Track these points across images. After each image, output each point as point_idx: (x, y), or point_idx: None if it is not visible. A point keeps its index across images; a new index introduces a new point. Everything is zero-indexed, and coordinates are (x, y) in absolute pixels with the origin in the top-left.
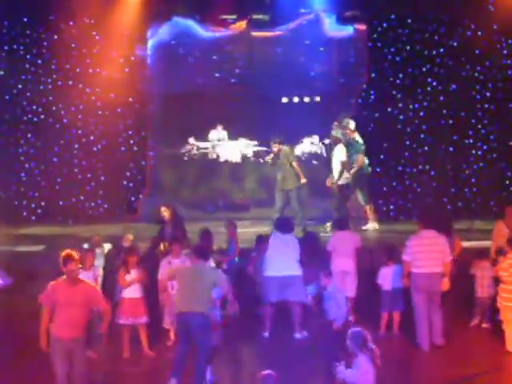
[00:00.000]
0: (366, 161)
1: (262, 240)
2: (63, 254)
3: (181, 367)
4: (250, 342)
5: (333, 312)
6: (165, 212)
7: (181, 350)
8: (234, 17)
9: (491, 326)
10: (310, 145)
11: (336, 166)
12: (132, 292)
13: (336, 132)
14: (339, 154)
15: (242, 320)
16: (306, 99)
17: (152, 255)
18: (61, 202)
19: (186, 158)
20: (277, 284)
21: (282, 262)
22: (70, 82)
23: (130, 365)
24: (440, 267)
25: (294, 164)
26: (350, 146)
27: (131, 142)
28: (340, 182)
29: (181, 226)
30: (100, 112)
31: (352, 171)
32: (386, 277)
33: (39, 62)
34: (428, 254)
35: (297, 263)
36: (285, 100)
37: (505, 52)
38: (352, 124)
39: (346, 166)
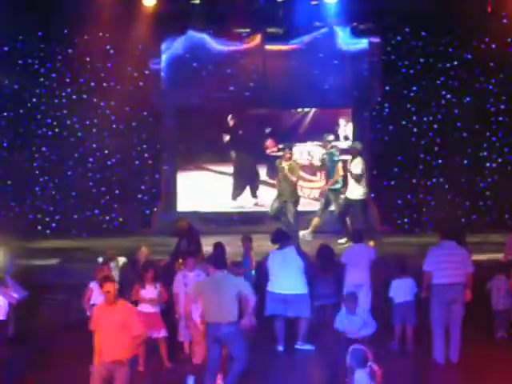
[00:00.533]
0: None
1: None
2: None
3: (214, 372)
4: (264, 355)
5: (361, 331)
6: (180, 225)
7: (212, 356)
8: (248, 30)
9: (507, 335)
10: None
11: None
12: (149, 307)
13: (354, 144)
14: (355, 166)
15: (258, 333)
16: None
17: (170, 270)
18: (75, 216)
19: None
20: (280, 300)
21: (285, 279)
22: (85, 96)
23: (146, 378)
24: (462, 277)
25: (295, 179)
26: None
27: (145, 155)
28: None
29: (195, 239)
30: (114, 126)
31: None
32: (399, 289)
33: (53, 75)
34: (450, 264)
35: (301, 280)
36: (298, 112)
37: None
38: (331, 137)
39: (359, 179)
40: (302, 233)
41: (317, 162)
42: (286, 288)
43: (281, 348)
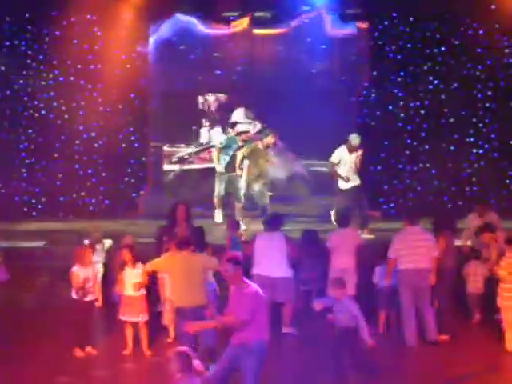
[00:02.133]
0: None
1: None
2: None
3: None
4: None
5: (346, 321)
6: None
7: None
8: (236, 14)
9: (481, 317)
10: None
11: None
12: (129, 289)
13: (354, 139)
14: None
15: None
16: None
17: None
18: (62, 198)
19: (186, 157)
20: (265, 284)
21: (271, 262)
22: (72, 78)
23: (130, 362)
24: (427, 263)
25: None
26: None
27: (132, 138)
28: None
29: (190, 227)
30: (101, 108)
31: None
32: (382, 275)
33: (40, 57)
34: (414, 249)
35: (285, 264)
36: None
37: (506, 51)
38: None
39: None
40: None
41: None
42: (271, 271)
43: None
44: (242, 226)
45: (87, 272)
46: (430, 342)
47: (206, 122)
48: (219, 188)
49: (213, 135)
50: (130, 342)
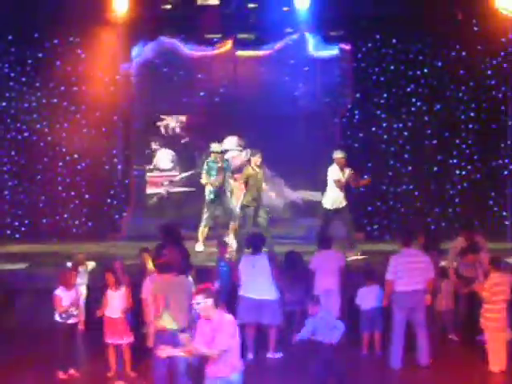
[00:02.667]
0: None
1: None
2: None
3: None
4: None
5: (327, 336)
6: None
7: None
8: (219, 36)
9: (458, 337)
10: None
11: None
12: (111, 311)
13: (337, 153)
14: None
15: None
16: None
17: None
18: (44, 220)
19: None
20: (252, 306)
21: (258, 285)
22: (55, 100)
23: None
24: (423, 284)
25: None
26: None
27: (115, 160)
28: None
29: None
30: (85, 130)
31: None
32: (365, 297)
33: (23, 79)
34: (411, 271)
35: (272, 287)
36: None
37: (489, 72)
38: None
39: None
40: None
41: None
42: (258, 293)
43: (251, 356)
44: (233, 246)
45: (71, 295)
46: (422, 366)
47: (155, 145)
48: (211, 215)
49: (160, 157)
50: (113, 365)
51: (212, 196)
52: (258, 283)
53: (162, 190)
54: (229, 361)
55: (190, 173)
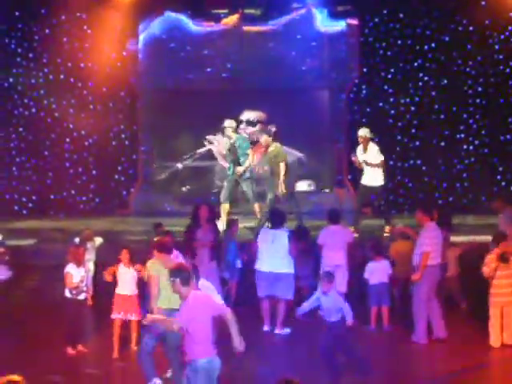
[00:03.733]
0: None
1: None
2: None
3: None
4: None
5: (333, 315)
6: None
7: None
8: (226, 11)
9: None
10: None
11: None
12: (123, 288)
13: (365, 131)
14: (374, 153)
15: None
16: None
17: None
18: (52, 196)
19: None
20: (268, 279)
21: (273, 258)
22: (62, 76)
23: (121, 360)
24: (444, 258)
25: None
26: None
27: (122, 136)
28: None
29: (214, 229)
30: (91, 106)
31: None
32: (374, 271)
33: (30, 55)
34: (438, 246)
35: (288, 260)
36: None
37: (496, 47)
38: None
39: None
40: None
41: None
42: (274, 266)
43: (267, 328)
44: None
45: (80, 271)
46: (440, 339)
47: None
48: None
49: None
50: (117, 344)
51: (229, 172)
52: (275, 257)
53: (179, 164)
54: (194, 345)
55: (205, 149)
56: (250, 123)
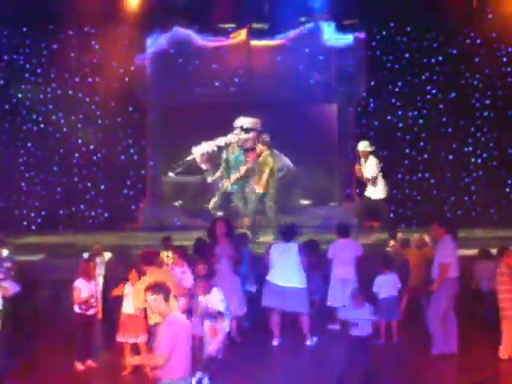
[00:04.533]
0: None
1: None
2: None
3: None
4: (260, 351)
5: (365, 329)
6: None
7: None
8: (234, 26)
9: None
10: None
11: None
12: (129, 307)
13: (364, 145)
14: (371, 167)
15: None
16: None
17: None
18: (61, 211)
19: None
20: (277, 292)
21: (285, 271)
22: (70, 92)
23: (131, 376)
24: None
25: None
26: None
27: (131, 151)
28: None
29: (233, 244)
30: (100, 121)
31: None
32: (383, 285)
33: (39, 71)
34: (456, 258)
35: (300, 275)
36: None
37: (504, 60)
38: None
39: (374, 180)
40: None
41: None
42: (283, 280)
43: (276, 342)
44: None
45: (90, 286)
46: (451, 355)
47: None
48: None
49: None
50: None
51: (235, 186)
52: (285, 270)
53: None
54: (168, 364)
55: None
56: (244, 130)
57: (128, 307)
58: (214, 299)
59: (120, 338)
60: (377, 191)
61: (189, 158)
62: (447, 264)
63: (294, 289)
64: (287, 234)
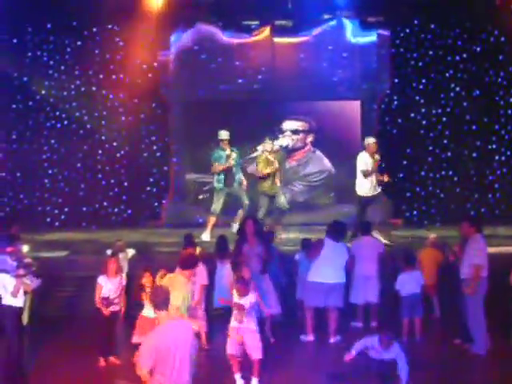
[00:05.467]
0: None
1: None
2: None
3: None
4: (294, 346)
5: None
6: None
7: None
8: (257, 23)
9: None
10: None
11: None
12: (148, 311)
13: (368, 139)
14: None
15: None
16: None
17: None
18: (84, 208)
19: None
20: (321, 290)
21: (331, 269)
22: (94, 88)
23: None
24: None
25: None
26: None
27: (154, 147)
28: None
29: (263, 243)
30: (123, 118)
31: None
32: (405, 283)
33: (62, 68)
34: (487, 257)
35: (343, 271)
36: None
37: None
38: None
39: (366, 174)
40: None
41: None
42: (329, 277)
43: (311, 338)
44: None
45: (113, 283)
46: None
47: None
48: (219, 204)
49: None
50: None
51: (221, 185)
52: (332, 267)
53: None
54: (153, 377)
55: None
56: (292, 132)
57: (148, 311)
58: (251, 300)
59: (135, 340)
60: (360, 187)
61: (253, 155)
62: (481, 265)
63: (339, 284)
64: (339, 234)
